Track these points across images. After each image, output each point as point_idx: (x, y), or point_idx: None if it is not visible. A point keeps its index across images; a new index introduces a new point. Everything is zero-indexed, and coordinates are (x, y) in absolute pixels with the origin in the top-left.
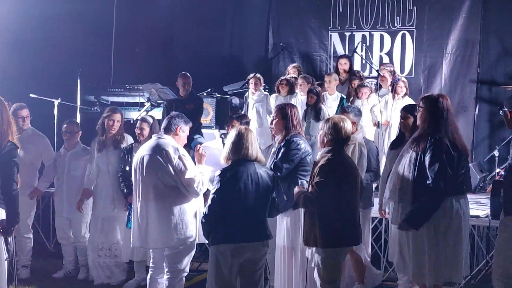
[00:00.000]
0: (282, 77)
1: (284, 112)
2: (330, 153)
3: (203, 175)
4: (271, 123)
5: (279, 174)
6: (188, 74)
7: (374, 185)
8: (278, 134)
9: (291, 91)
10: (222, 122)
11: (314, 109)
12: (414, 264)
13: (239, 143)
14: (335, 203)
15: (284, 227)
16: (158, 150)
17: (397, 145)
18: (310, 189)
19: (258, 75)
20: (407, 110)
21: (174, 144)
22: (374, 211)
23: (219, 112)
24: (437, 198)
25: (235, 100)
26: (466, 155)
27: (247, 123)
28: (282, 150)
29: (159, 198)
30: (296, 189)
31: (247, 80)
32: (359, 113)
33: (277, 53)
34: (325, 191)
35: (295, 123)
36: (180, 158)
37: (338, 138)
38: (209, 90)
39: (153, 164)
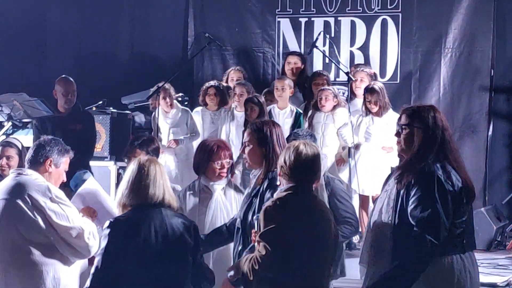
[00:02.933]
0: (209, 83)
1: (261, 135)
2: (288, 191)
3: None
4: (243, 150)
5: None
6: (70, 78)
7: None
8: (254, 167)
9: (223, 102)
10: (120, 150)
11: None
12: None
13: (139, 181)
14: (293, 263)
15: None
16: (18, 192)
17: None
18: (256, 249)
19: (166, 85)
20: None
21: (42, 181)
22: (348, 281)
23: (116, 136)
24: (424, 257)
25: (139, 118)
26: (471, 194)
27: (156, 151)
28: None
29: (23, 263)
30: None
31: (156, 88)
32: (312, 139)
33: (201, 48)
34: (278, 247)
35: (278, 151)
36: (53, 201)
37: (300, 171)
38: (101, 103)
39: (10, 213)
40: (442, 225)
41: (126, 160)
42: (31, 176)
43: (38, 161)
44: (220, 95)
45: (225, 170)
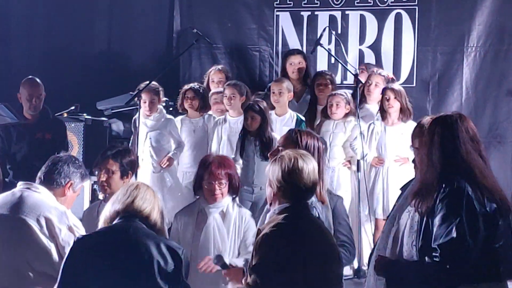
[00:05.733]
0: (187, 86)
1: (295, 142)
2: (285, 214)
3: None
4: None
5: None
6: (38, 80)
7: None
8: None
9: (204, 108)
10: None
11: (258, 139)
12: None
13: (132, 197)
14: None
15: None
16: (30, 210)
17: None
18: (248, 279)
19: (155, 84)
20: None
21: (56, 203)
22: None
23: (90, 146)
24: (445, 284)
25: (117, 126)
26: (507, 212)
27: (132, 164)
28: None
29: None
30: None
31: (136, 92)
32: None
33: (189, 46)
34: (271, 281)
35: (321, 165)
36: (71, 230)
37: (296, 189)
38: (73, 108)
39: (16, 233)
40: (467, 251)
41: (96, 173)
42: (43, 194)
43: (55, 180)
44: (200, 99)
45: (217, 192)
